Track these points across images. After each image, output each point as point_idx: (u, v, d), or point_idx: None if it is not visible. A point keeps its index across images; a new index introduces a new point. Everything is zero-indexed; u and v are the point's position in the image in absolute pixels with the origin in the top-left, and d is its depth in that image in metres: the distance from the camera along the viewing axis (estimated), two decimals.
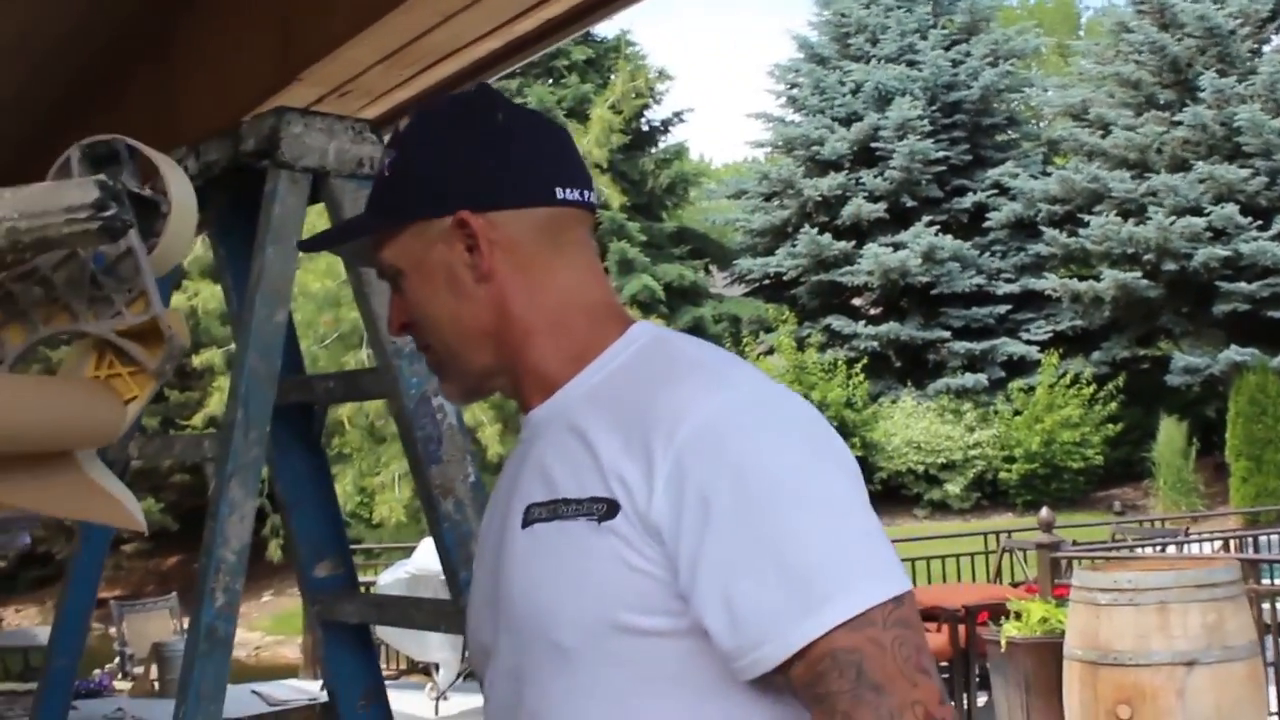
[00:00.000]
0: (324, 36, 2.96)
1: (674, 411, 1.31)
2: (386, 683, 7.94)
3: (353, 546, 16.50)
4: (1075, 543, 9.39)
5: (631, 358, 1.43)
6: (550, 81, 29.22)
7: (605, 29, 29.71)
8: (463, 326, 1.46)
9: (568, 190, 1.48)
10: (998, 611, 7.18)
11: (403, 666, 12.03)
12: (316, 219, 2.56)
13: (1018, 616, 6.70)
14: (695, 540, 1.27)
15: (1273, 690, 6.60)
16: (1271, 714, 6.31)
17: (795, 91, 31.42)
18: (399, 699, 9.26)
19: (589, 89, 27.17)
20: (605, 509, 1.31)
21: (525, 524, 1.39)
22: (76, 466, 1.78)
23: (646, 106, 28.83)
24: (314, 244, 1.61)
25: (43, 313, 1.85)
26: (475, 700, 9.61)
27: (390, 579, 10.12)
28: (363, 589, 9.81)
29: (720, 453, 1.28)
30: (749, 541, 1.26)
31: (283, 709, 5.62)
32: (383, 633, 10.27)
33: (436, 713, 9.73)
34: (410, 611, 2.20)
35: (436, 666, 10.05)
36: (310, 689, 10.22)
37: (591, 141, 20.82)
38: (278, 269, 1.93)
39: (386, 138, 1.81)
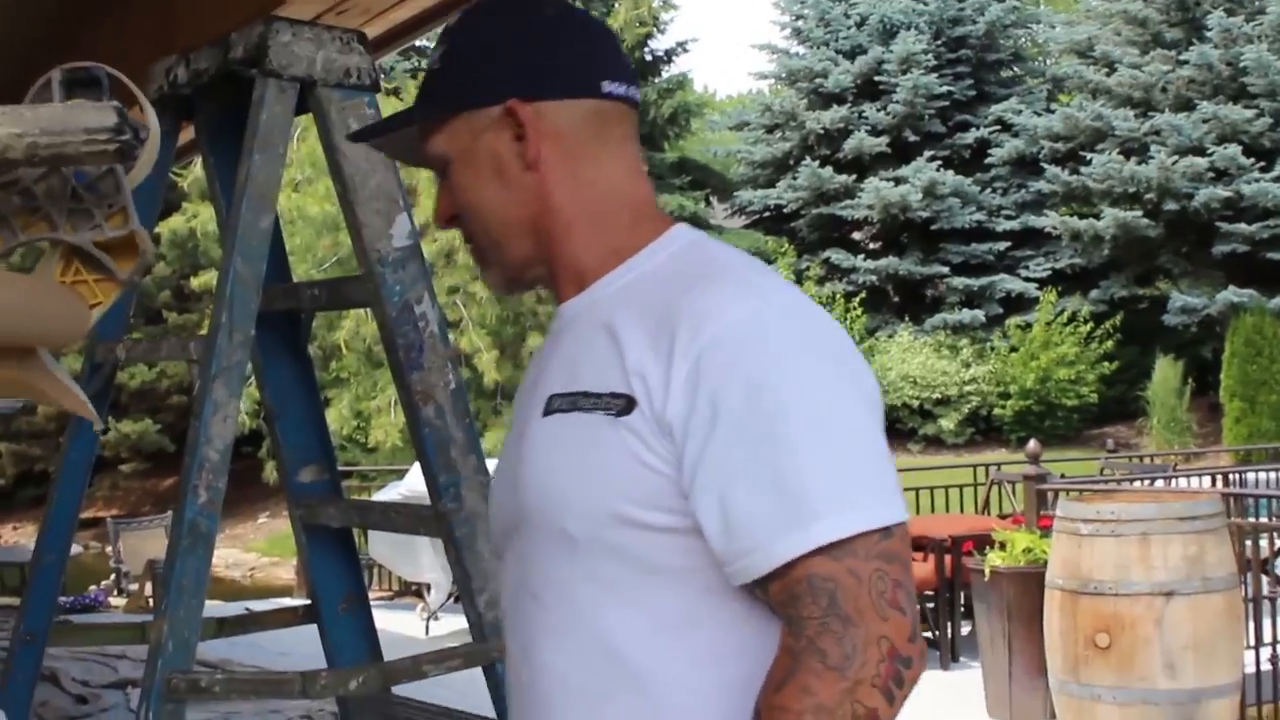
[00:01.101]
0: None
1: (700, 313, 1.34)
2: (379, 603, 7.98)
3: (348, 469, 16.62)
4: (1064, 476, 9.46)
5: (668, 259, 1.46)
6: None
7: None
8: (507, 214, 1.49)
9: (614, 84, 1.51)
10: (983, 542, 7.25)
11: (395, 588, 12.13)
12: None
13: (1002, 546, 6.77)
14: (700, 442, 1.30)
15: (1251, 624, 6.68)
16: (1248, 646, 6.38)
17: (800, 23, 31.23)
18: (391, 620, 9.37)
19: (597, 15, 27.01)
20: (623, 404, 1.34)
21: (546, 413, 1.43)
22: (39, 358, 1.84)
23: (650, 36, 28.68)
24: (362, 135, 1.64)
25: (22, 220, 1.90)
26: (465, 621, 9.70)
27: (383, 500, 10.19)
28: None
29: (739, 360, 1.31)
30: (750, 450, 1.29)
31: (264, 610, 5.70)
32: (375, 554, 10.38)
33: (427, 633, 9.82)
34: (391, 515, 2.25)
35: (428, 587, 10.14)
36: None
37: None
38: (264, 175, 1.95)
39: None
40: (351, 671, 2.08)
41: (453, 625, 9.75)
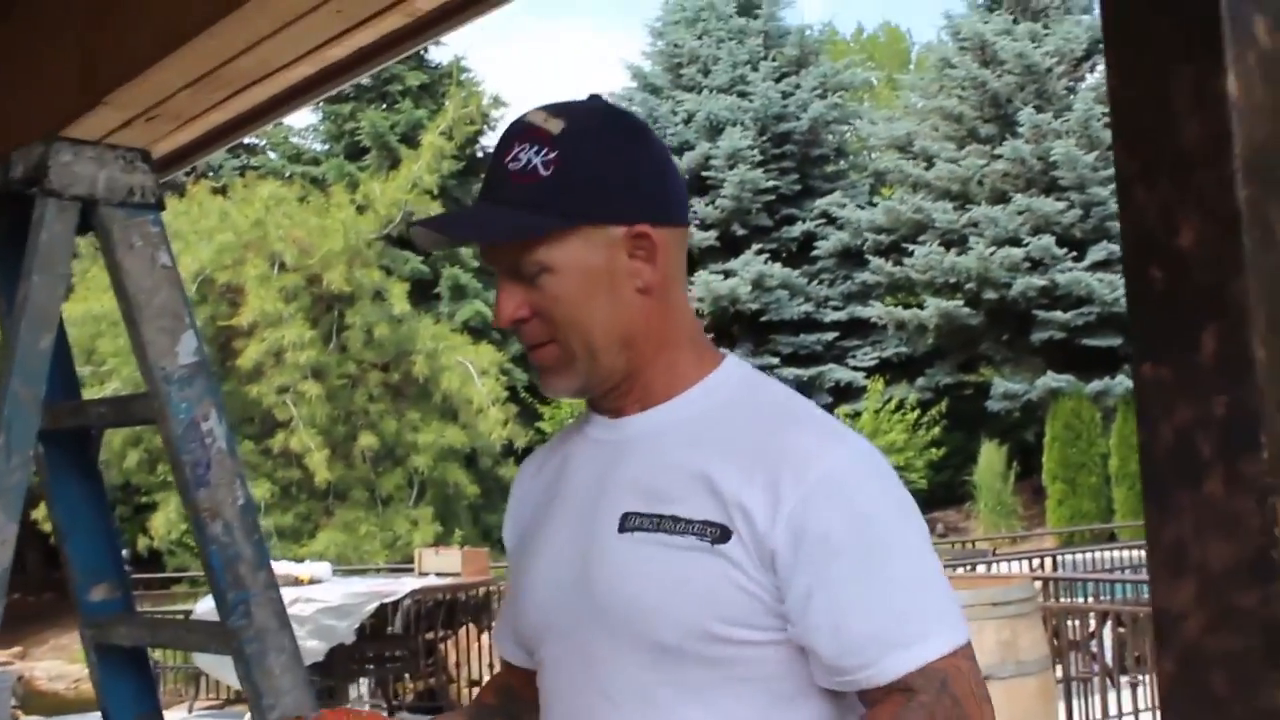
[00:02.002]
0: (129, 61, 2.97)
1: (803, 456, 1.46)
2: (208, 713, 7.81)
3: (177, 574, 16.18)
4: None
5: (734, 392, 1.57)
6: (384, 106, 29.07)
7: (439, 55, 29.68)
8: (610, 328, 1.54)
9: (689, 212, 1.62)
10: None
11: (226, 696, 11.87)
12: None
13: None
14: (812, 574, 1.44)
15: (1061, 704, 6.85)
16: None
17: None
18: None
19: (423, 114, 27.09)
20: (718, 533, 1.45)
21: (624, 529, 1.51)
22: None
23: (480, 133, 28.83)
24: (452, 232, 1.66)
25: None
26: None
27: (205, 608, 9.99)
28: (184, 616, 9.67)
29: (845, 501, 1.45)
30: (862, 582, 1.44)
31: None
32: (201, 663, 10.16)
33: None
34: (183, 633, 2.23)
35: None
36: None
37: (423, 167, 20.75)
38: (43, 296, 1.95)
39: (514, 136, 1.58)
40: None
41: None
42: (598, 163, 1.53)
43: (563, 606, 1.57)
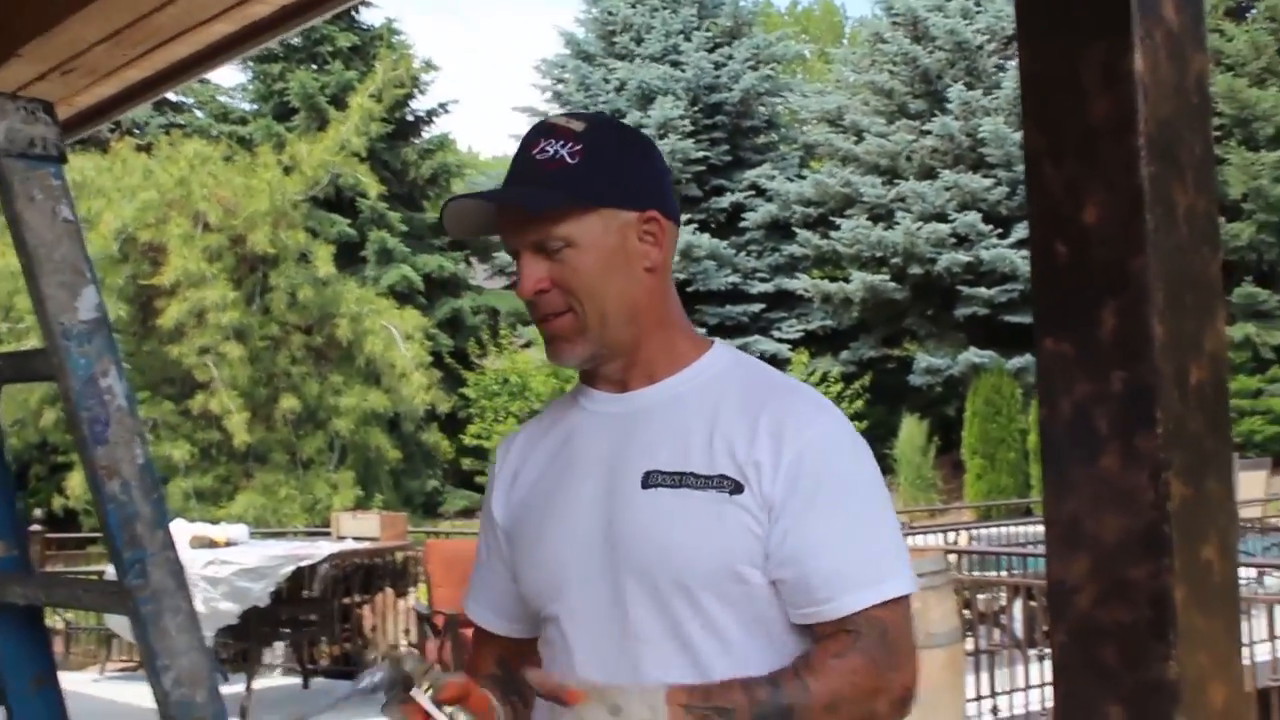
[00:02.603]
0: (43, 13, 2.91)
1: (800, 418, 1.72)
2: (121, 675, 7.69)
3: (94, 535, 15.96)
4: None
5: (730, 369, 1.81)
6: (314, 67, 28.78)
7: (371, 17, 29.40)
8: (622, 301, 1.75)
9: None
10: None
11: (139, 658, 11.75)
12: None
13: None
14: (792, 516, 1.67)
15: (971, 677, 6.93)
16: (969, 699, 6.62)
17: (561, 87, 31.56)
18: (130, 691, 9.07)
19: (353, 76, 26.82)
20: (733, 485, 1.68)
21: (647, 485, 1.72)
22: None
23: (410, 96, 28.61)
24: (503, 199, 1.80)
25: None
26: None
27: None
28: (98, 577, 9.54)
29: (830, 459, 1.71)
30: (831, 526, 1.68)
31: None
32: (113, 624, 10.05)
33: None
34: (79, 592, 2.19)
35: None
36: None
37: (350, 129, 20.54)
38: None
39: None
40: None
41: None
42: (617, 155, 1.77)
43: (588, 559, 1.75)
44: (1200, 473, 1.26)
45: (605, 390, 1.83)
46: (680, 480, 1.71)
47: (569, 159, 1.73)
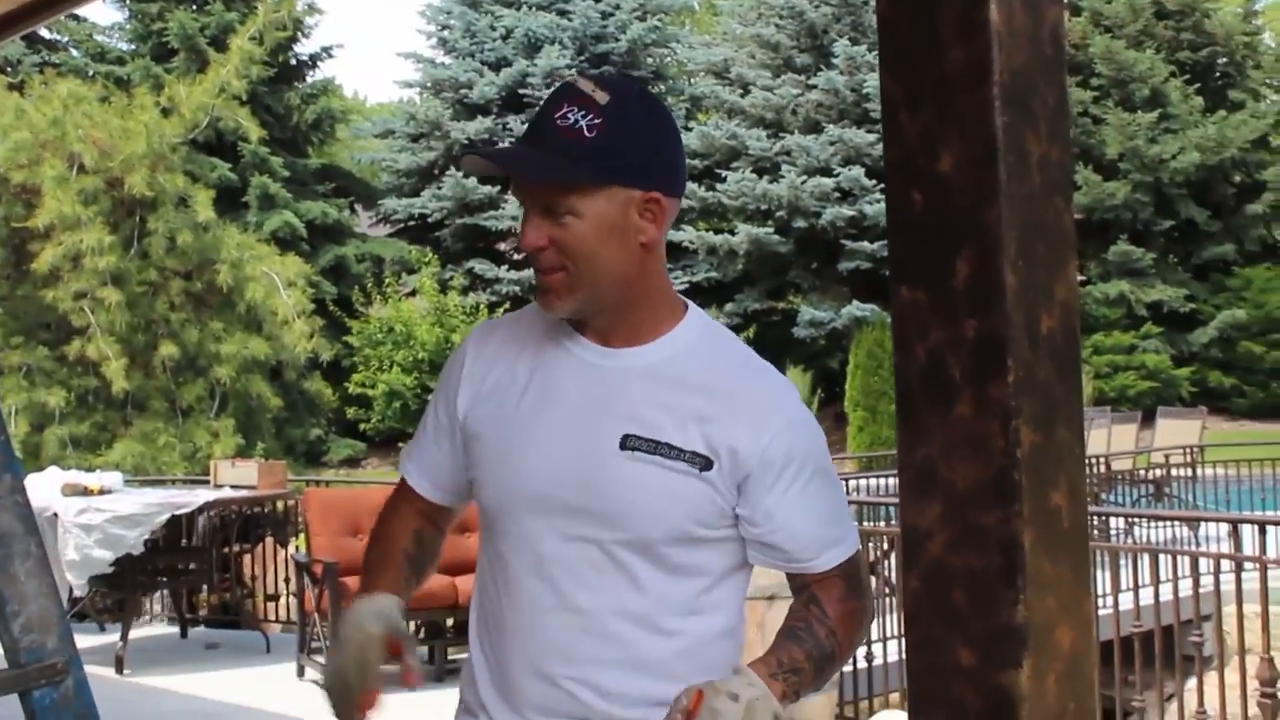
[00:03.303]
0: None
1: (771, 402, 1.94)
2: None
3: None
4: None
5: (702, 338, 1.99)
6: (194, 8, 28.22)
7: None
8: (614, 269, 1.89)
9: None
10: None
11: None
12: None
13: None
14: (776, 493, 1.92)
15: None
16: None
17: (446, 34, 31.25)
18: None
19: (234, 18, 26.31)
20: (704, 463, 1.89)
21: (624, 447, 1.90)
22: None
23: (294, 40, 28.15)
24: (513, 165, 1.98)
25: None
26: (82, 641, 9.32)
27: None
28: None
29: (798, 439, 1.94)
30: (809, 500, 1.95)
31: None
32: None
33: None
34: None
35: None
36: None
37: (231, 72, 20.16)
38: None
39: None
40: None
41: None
42: (632, 136, 1.88)
43: (562, 498, 1.93)
44: (1050, 420, 1.28)
45: (589, 339, 1.98)
46: (655, 449, 1.89)
47: (586, 132, 1.85)
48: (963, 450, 1.27)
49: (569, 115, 1.86)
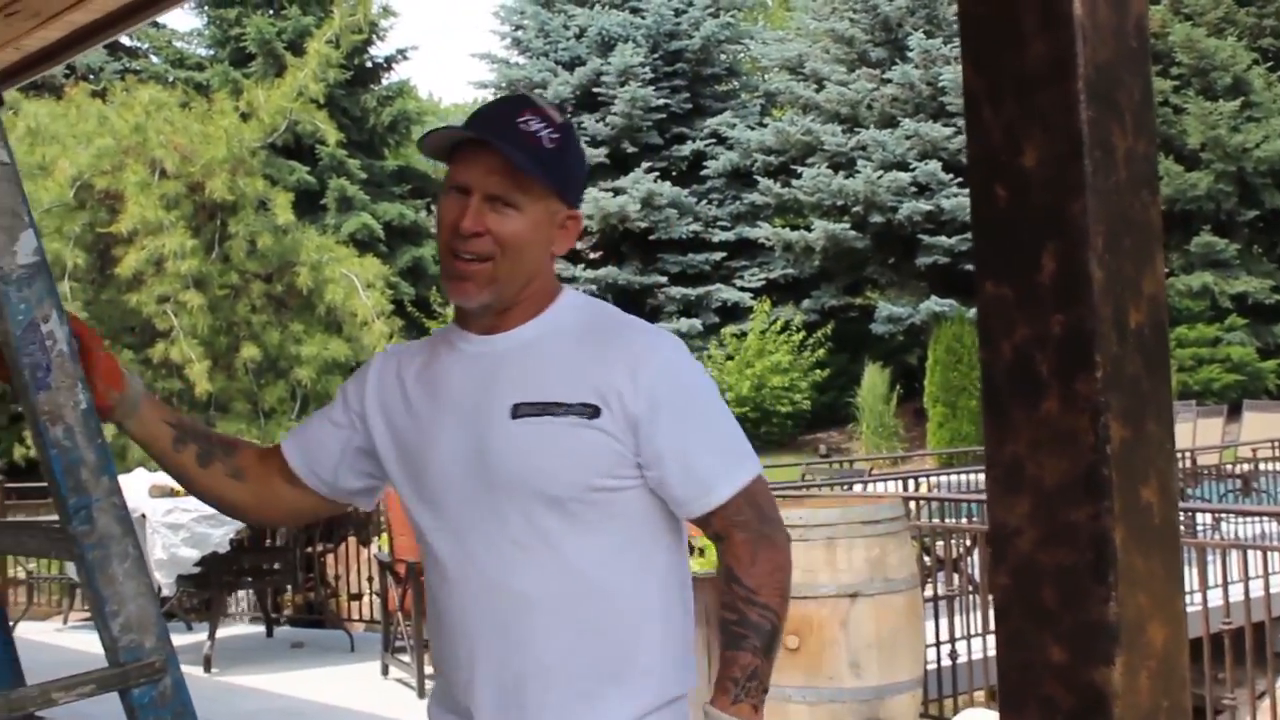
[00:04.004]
0: None
1: (647, 347, 2.01)
2: (84, 624, 7.60)
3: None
4: (771, 482, 9.70)
5: (581, 311, 2.08)
6: (271, 13, 28.52)
7: None
8: (530, 269, 2.02)
9: None
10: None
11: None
12: None
13: (700, 553, 6.91)
14: (664, 431, 1.97)
15: (931, 623, 6.99)
16: (929, 644, 6.67)
17: (520, 34, 31.37)
18: (95, 640, 9.05)
19: (310, 21, 26.56)
20: (592, 411, 1.95)
21: (516, 416, 1.98)
22: None
23: (369, 42, 28.38)
24: (503, 147, 1.99)
25: None
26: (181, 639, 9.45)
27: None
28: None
29: (678, 378, 2.01)
30: (697, 433, 2.00)
31: None
32: (73, 573, 10.00)
33: None
34: (24, 538, 2.15)
35: None
36: None
37: (308, 76, 20.33)
38: None
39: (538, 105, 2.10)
40: None
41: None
42: (577, 157, 2.08)
43: (464, 480, 2.01)
44: (1139, 415, 1.27)
45: (474, 332, 2.09)
46: (544, 410, 1.97)
47: (547, 143, 2.00)
48: (1051, 446, 1.27)
49: (531, 124, 2.01)
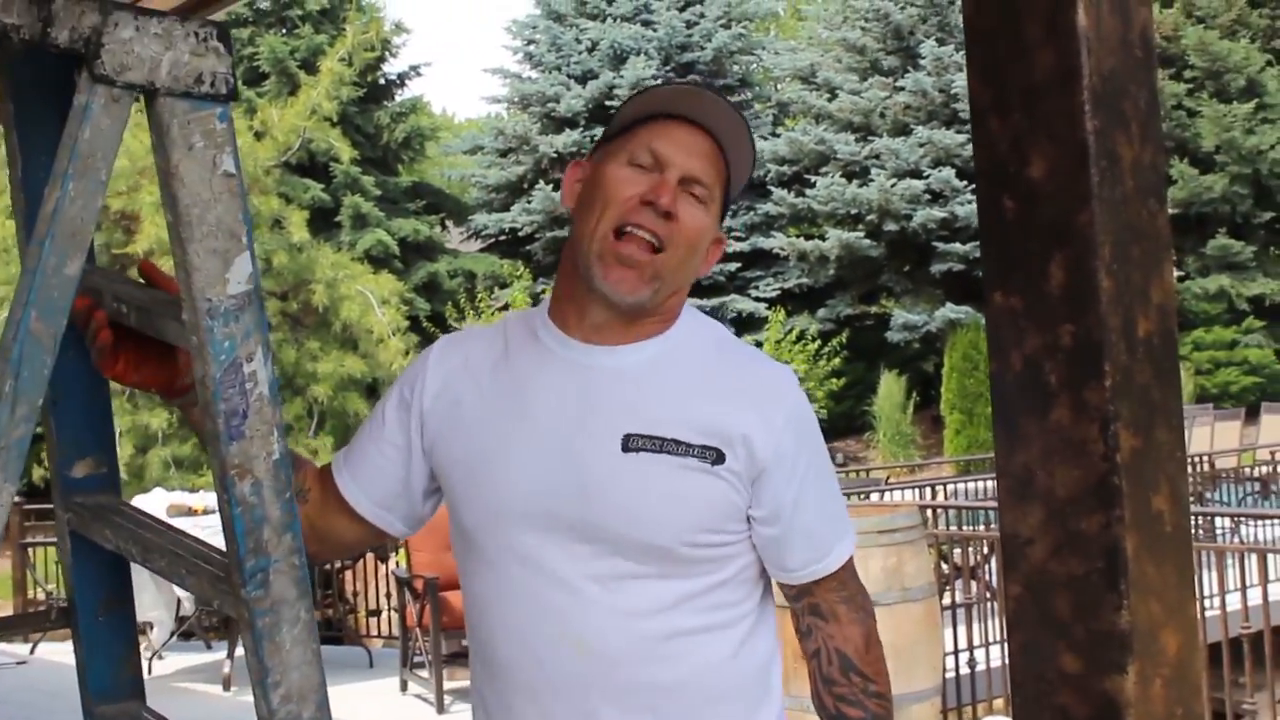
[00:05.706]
0: None
1: (776, 388, 1.81)
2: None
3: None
4: None
5: (705, 334, 1.87)
6: (283, 31, 28.59)
7: None
8: (690, 270, 1.81)
9: None
10: None
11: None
12: None
13: None
14: (791, 485, 1.78)
15: (949, 631, 6.97)
16: (947, 652, 6.66)
17: (532, 48, 31.39)
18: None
19: (323, 40, 26.63)
20: (715, 455, 1.74)
21: (627, 449, 1.74)
22: None
23: (382, 59, 28.43)
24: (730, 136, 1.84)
25: None
26: (189, 659, 9.48)
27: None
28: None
29: (807, 424, 1.82)
30: (819, 489, 1.82)
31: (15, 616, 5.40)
32: (152, 616, 9.98)
33: (150, 672, 9.54)
34: (182, 571, 1.84)
35: (150, 626, 9.84)
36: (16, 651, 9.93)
37: (322, 94, 20.42)
38: (78, 208, 1.53)
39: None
40: None
41: (178, 664, 9.50)
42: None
43: (559, 508, 1.76)
44: (1149, 424, 1.27)
45: (576, 337, 1.82)
46: (660, 446, 1.74)
47: (750, 146, 1.84)
48: (1061, 456, 1.27)
49: (741, 127, 1.84)
